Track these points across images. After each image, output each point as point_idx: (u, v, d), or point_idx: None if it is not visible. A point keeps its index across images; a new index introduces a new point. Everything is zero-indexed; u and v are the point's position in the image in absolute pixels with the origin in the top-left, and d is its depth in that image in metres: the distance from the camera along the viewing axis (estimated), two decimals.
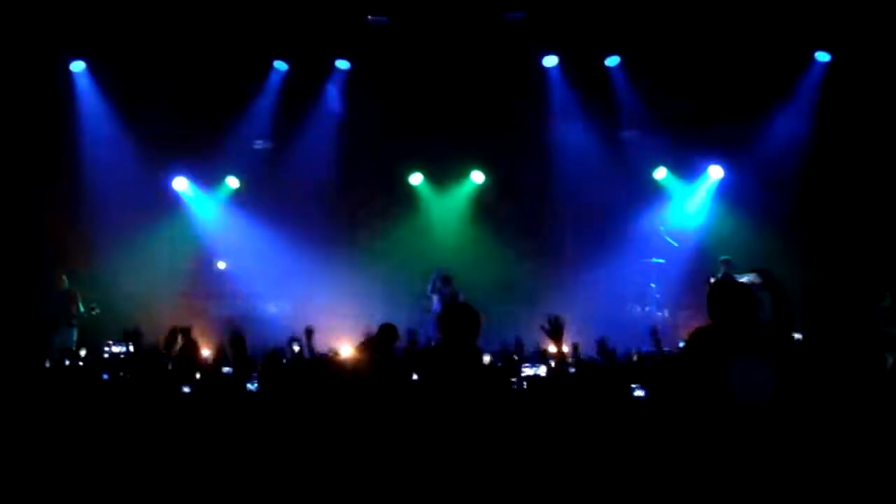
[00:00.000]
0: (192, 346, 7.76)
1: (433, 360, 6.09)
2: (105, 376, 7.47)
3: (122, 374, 6.88)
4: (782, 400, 5.43)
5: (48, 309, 13.33)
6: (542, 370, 6.09)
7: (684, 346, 5.64)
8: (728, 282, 5.82)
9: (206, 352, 9.62)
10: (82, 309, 13.70)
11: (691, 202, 15.94)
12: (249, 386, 7.60)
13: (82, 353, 7.92)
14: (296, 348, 9.03)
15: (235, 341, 6.34)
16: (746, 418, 5.05)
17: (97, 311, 13.62)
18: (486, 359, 9.92)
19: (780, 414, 5.33)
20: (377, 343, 8.23)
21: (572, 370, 7.15)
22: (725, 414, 5.09)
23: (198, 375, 7.23)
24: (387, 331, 8.36)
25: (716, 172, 15.69)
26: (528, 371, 6.38)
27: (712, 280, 11.63)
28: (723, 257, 13.51)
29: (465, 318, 5.95)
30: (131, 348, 7.06)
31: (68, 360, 7.53)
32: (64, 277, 13.92)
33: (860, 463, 4.95)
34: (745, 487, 4.63)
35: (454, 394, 5.89)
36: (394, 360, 7.92)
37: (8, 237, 14.89)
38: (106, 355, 8.02)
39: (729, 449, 4.75)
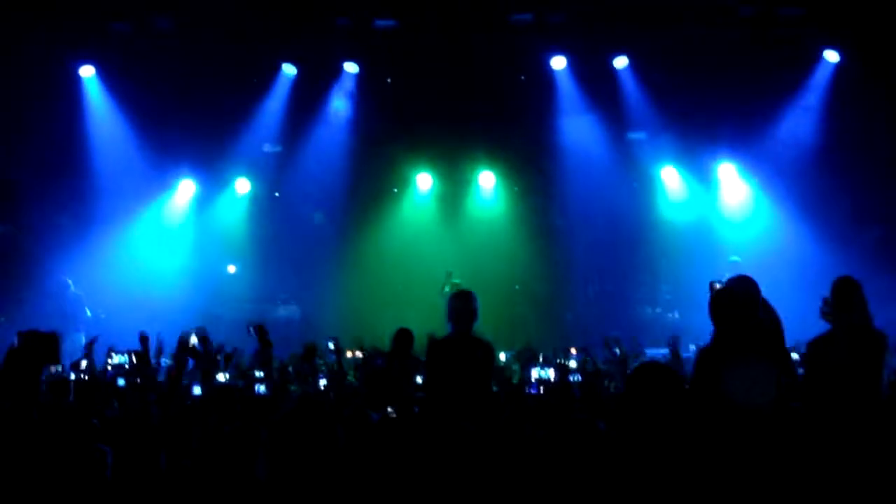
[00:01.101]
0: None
1: (446, 350, 6.20)
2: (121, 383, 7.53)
3: (138, 380, 6.91)
4: (783, 404, 5.44)
5: (57, 314, 13.51)
6: (551, 373, 6.13)
7: (696, 358, 5.65)
8: (728, 289, 5.82)
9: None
10: (89, 314, 13.88)
11: (732, 199, 15.86)
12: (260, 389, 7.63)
13: (83, 363, 7.97)
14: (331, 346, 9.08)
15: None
16: (747, 422, 5.04)
17: (104, 316, 13.85)
18: (502, 356, 9.97)
19: (782, 418, 5.33)
20: (394, 348, 8.22)
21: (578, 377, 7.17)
22: (726, 418, 5.09)
23: None
24: (402, 335, 8.36)
25: (727, 171, 15.66)
26: (536, 374, 6.41)
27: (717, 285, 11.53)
28: (732, 258, 13.47)
29: (465, 302, 6.19)
30: (134, 359, 7.07)
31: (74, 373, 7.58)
32: (69, 282, 14.04)
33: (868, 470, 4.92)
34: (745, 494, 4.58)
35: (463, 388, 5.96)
36: (412, 363, 7.91)
37: (16, 242, 14.97)
38: (109, 368, 8.04)
39: (729, 454, 4.73)
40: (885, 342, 5.94)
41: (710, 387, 5.36)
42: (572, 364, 8.88)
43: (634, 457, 3.66)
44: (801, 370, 7.58)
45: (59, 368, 7.97)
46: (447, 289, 14.56)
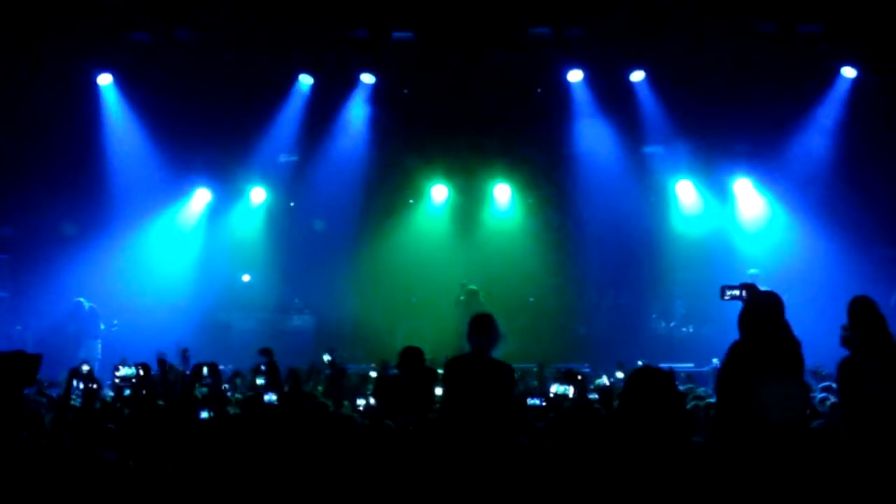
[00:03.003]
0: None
1: (463, 369, 6.19)
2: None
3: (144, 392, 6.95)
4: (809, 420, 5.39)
5: (72, 328, 13.79)
6: (570, 390, 6.10)
7: (723, 361, 5.64)
8: (757, 301, 5.78)
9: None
10: (103, 327, 14.14)
11: (748, 214, 15.82)
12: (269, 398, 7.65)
13: (84, 367, 8.06)
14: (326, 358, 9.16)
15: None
16: (776, 438, 5.01)
17: (116, 325, 14.22)
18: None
19: (810, 434, 5.29)
20: (400, 366, 8.22)
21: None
22: (754, 434, 5.06)
23: None
24: (408, 353, 8.33)
25: (743, 186, 15.64)
26: (555, 389, 6.38)
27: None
28: (751, 271, 13.45)
29: (486, 327, 6.15)
30: (141, 372, 7.11)
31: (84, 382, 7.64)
32: (83, 302, 14.31)
33: None
34: None
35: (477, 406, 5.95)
36: (427, 374, 7.90)
37: (34, 252, 15.10)
38: (117, 380, 8.12)
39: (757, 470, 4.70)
40: None
41: (737, 400, 5.32)
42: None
43: (633, 460, 3.64)
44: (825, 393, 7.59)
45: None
46: (462, 297, 14.60)
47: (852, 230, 14.19)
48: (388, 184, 16.30)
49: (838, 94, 14.55)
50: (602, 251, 15.45)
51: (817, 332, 6.56)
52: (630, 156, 15.62)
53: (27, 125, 14.49)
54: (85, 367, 8.00)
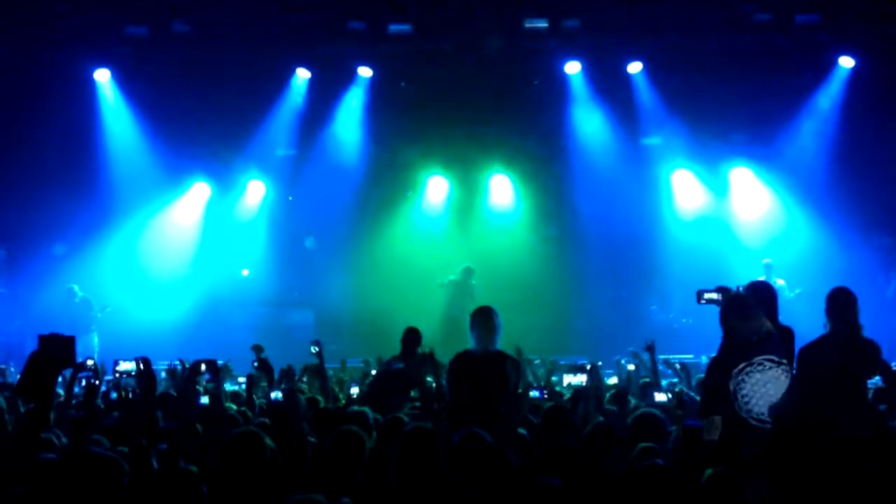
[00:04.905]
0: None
1: (470, 365, 6.18)
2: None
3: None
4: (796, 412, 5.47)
5: (67, 319, 13.74)
6: (584, 379, 6.11)
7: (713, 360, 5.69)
8: (733, 297, 5.89)
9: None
10: (100, 316, 14.10)
11: (746, 204, 15.81)
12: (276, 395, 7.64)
13: (89, 362, 8.06)
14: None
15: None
16: (762, 433, 5.07)
17: (109, 309, 14.30)
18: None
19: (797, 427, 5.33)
20: (402, 348, 8.22)
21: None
22: (738, 430, 5.14)
23: None
24: (409, 334, 8.34)
25: (740, 176, 15.65)
26: (569, 379, 6.38)
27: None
28: (765, 261, 13.53)
29: (490, 319, 6.25)
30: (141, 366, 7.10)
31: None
32: (75, 288, 14.26)
33: None
34: None
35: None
36: (419, 362, 7.88)
37: (32, 247, 15.10)
38: (116, 374, 8.12)
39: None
40: (870, 349, 6.01)
41: (723, 392, 5.39)
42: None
43: None
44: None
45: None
46: (454, 277, 14.70)
47: (852, 219, 14.22)
48: (386, 176, 16.29)
49: (836, 83, 14.56)
50: (600, 242, 15.45)
51: (816, 322, 6.58)
52: (628, 147, 15.62)
53: (24, 121, 14.47)
54: (89, 362, 7.99)
